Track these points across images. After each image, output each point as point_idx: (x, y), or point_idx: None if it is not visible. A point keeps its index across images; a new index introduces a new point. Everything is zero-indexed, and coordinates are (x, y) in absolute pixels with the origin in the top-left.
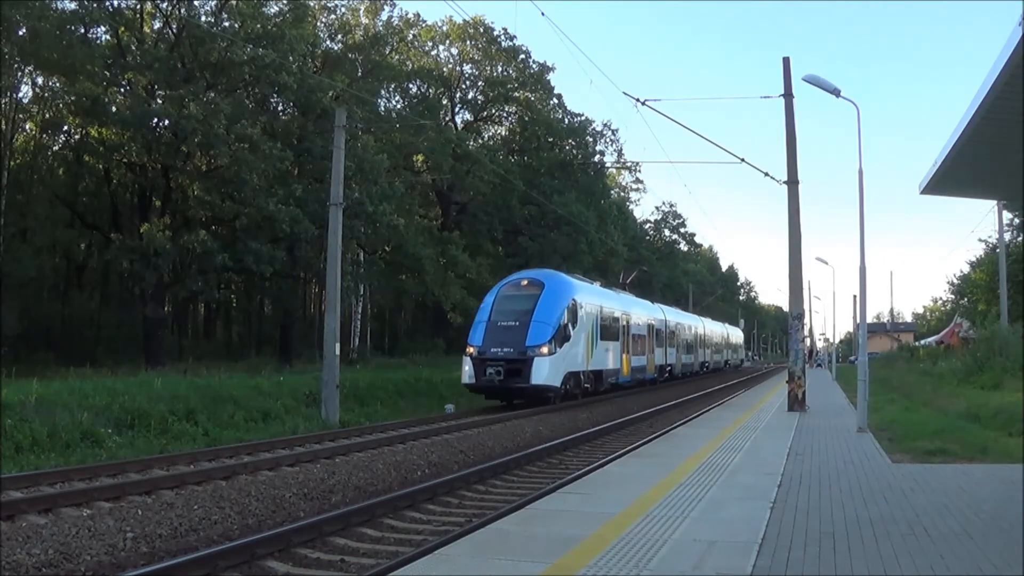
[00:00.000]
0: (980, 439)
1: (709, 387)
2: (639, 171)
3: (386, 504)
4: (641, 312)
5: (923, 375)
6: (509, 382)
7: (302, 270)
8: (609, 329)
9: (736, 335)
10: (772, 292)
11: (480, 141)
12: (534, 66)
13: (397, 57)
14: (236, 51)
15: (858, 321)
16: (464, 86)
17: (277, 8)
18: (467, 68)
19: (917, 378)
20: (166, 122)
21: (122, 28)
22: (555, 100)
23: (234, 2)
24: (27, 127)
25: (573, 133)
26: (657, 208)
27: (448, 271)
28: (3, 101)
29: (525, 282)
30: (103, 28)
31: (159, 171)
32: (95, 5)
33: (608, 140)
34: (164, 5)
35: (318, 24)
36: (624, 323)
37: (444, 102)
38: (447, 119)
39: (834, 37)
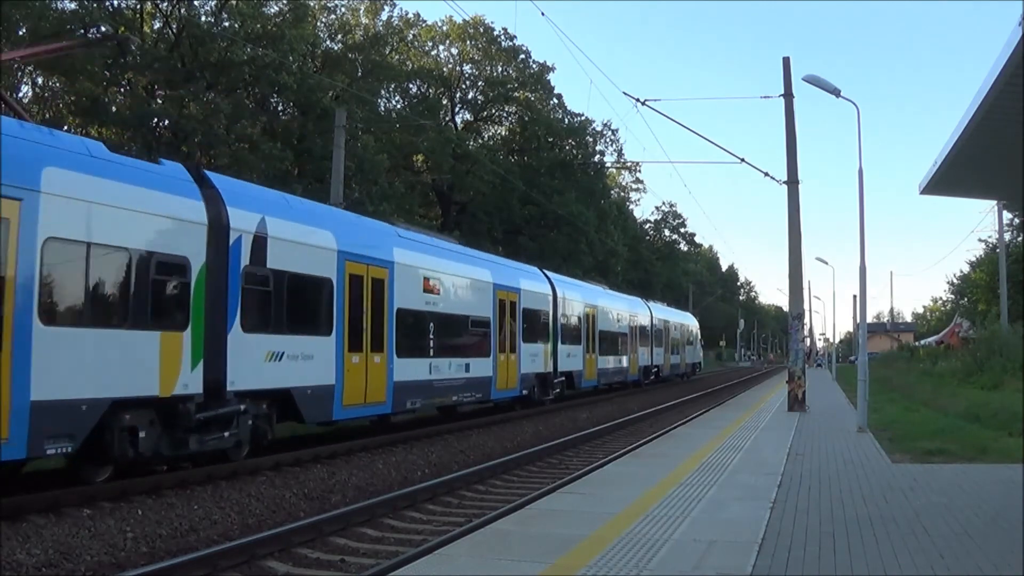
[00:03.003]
0: (980, 439)
1: (708, 387)
2: (639, 171)
3: (386, 504)
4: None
5: (923, 375)
6: None
7: None
8: None
9: (678, 321)
10: (772, 292)
11: (480, 141)
12: (534, 66)
13: (397, 57)
14: (236, 51)
15: (858, 321)
16: (464, 86)
17: (277, 8)
18: (467, 68)
19: (917, 378)
20: (166, 122)
21: (122, 28)
22: (555, 100)
23: (234, 2)
24: None
25: (573, 133)
26: (657, 208)
27: None
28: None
29: None
30: (103, 28)
31: None
32: (95, 5)
33: (608, 140)
34: (164, 5)
35: (318, 24)
36: None
37: (444, 102)
38: (447, 119)
39: (834, 37)
